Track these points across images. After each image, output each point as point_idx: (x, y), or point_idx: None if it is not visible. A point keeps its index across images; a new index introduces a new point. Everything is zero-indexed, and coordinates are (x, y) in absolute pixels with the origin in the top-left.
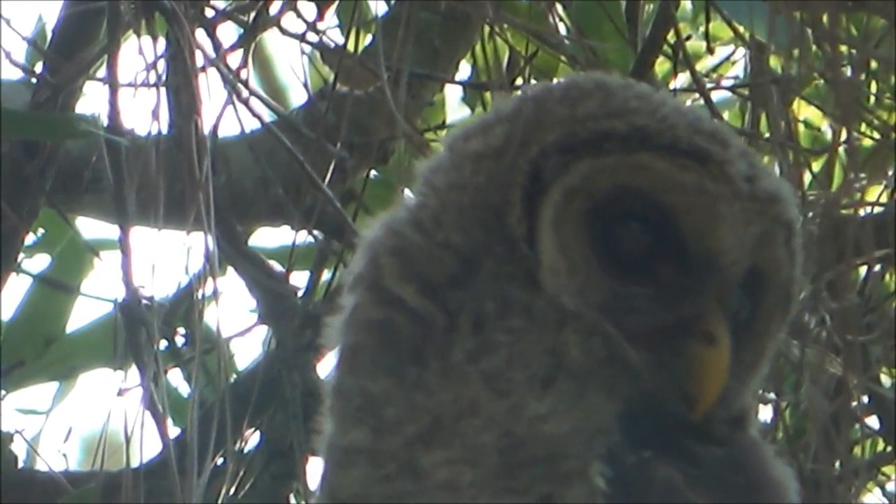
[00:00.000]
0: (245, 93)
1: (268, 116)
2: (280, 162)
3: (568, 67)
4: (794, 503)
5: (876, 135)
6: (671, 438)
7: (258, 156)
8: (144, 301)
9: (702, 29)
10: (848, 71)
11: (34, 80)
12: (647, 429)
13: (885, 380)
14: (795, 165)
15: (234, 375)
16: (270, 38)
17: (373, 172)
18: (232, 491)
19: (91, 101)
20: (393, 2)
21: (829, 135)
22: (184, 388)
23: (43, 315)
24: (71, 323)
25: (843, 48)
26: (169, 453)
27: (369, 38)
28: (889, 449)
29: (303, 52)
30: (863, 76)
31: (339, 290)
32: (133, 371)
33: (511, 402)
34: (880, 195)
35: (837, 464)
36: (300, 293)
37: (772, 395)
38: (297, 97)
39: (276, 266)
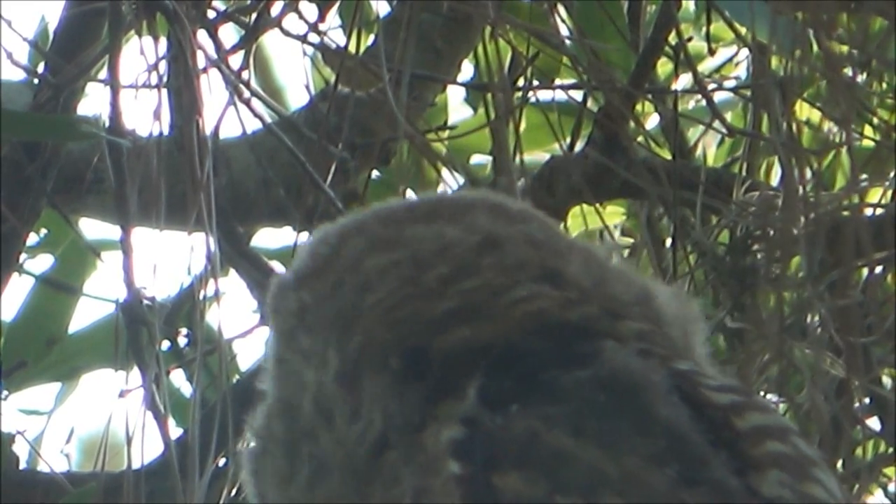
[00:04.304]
0: (246, 94)
1: (269, 117)
2: (282, 163)
3: (569, 68)
4: (657, 393)
5: (877, 136)
6: (535, 376)
7: (260, 157)
8: (146, 302)
9: (704, 30)
10: (849, 72)
11: (36, 81)
12: (511, 376)
13: (887, 381)
14: (797, 166)
15: (236, 376)
16: (271, 39)
17: (374, 173)
18: (233, 492)
19: (93, 102)
20: (395, 3)
21: (830, 136)
22: (186, 389)
23: (45, 316)
24: (73, 324)
25: (845, 49)
26: (170, 454)
27: (371, 39)
28: (891, 450)
29: (304, 54)
30: (864, 77)
31: None
32: (135, 372)
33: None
34: (881, 197)
35: (839, 465)
36: None
37: (774, 397)
38: (297, 98)
39: (278, 267)
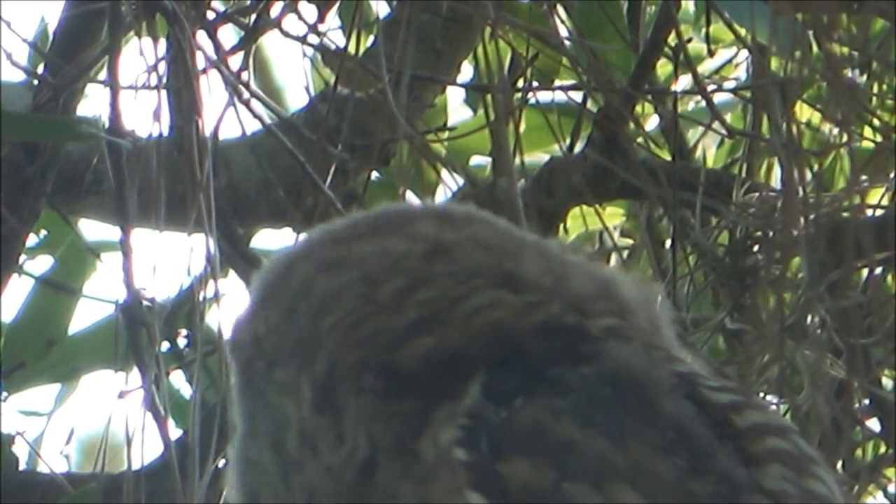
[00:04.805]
0: (246, 95)
1: (269, 118)
2: (281, 164)
3: (569, 69)
4: (661, 389)
5: (877, 137)
6: (538, 373)
7: (259, 158)
8: (146, 303)
9: (703, 31)
10: (849, 73)
11: (35, 82)
12: (514, 373)
13: (887, 382)
14: (797, 168)
15: None
16: (271, 40)
17: (374, 174)
18: None
19: (92, 102)
20: (394, 3)
21: (831, 137)
22: (185, 390)
23: (45, 317)
24: (73, 325)
25: (845, 50)
26: (170, 455)
27: (371, 40)
28: (891, 451)
29: (304, 55)
30: (864, 78)
31: None
32: (135, 373)
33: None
34: (882, 198)
35: (839, 466)
36: None
37: (774, 398)
38: (296, 99)
39: None
